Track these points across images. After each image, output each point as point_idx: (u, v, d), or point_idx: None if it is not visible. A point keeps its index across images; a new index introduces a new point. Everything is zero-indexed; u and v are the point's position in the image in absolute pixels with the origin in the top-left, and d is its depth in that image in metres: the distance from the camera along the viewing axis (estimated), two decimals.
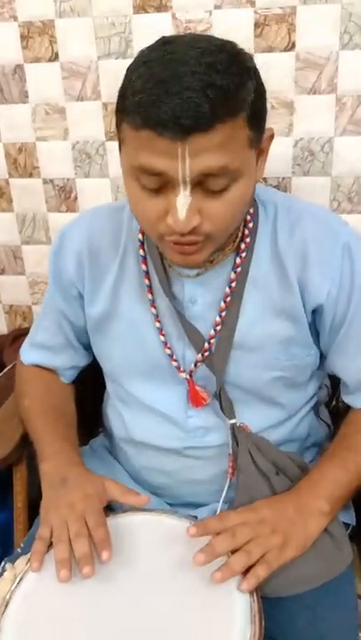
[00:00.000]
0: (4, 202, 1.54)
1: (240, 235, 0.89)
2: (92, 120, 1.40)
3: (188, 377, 0.93)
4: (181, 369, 0.93)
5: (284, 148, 1.33)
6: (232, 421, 0.92)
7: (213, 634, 0.73)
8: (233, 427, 0.92)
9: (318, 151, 1.33)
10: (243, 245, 0.88)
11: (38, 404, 1.04)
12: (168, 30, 1.28)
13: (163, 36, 0.75)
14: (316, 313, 0.90)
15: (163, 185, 0.73)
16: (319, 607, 0.83)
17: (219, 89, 0.67)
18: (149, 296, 0.93)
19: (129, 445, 1.03)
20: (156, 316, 0.93)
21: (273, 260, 0.89)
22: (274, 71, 1.27)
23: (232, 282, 0.89)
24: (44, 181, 1.50)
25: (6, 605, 0.79)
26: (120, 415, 1.03)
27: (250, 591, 0.77)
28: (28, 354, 1.10)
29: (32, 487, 1.09)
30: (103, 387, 1.10)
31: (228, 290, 0.89)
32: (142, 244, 0.93)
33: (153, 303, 0.93)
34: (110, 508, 0.92)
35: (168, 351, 0.93)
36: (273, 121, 1.29)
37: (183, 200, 0.72)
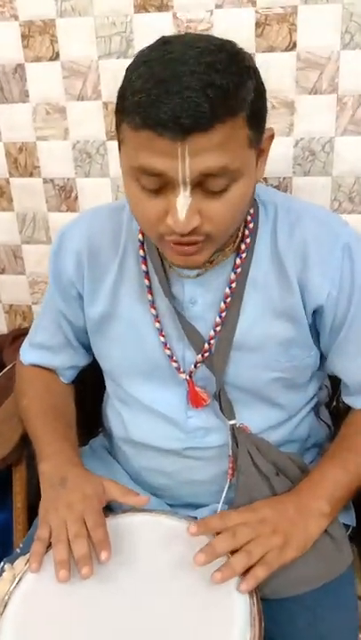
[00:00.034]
0: (5, 201, 1.54)
1: (240, 235, 0.88)
2: (92, 120, 1.40)
3: (187, 378, 0.93)
4: (181, 370, 0.93)
5: (285, 148, 1.33)
6: (232, 422, 0.92)
7: (213, 635, 0.73)
8: (233, 427, 0.92)
9: (319, 151, 1.32)
10: (243, 246, 0.88)
11: (38, 404, 1.04)
12: (169, 30, 1.28)
13: (162, 35, 0.75)
14: (316, 314, 0.90)
15: (162, 185, 0.73)
16: (319, 608, 0.83)
17: (218, 88, 0.67)
18: (149, 297, 0.92)
19: (128, 446, 1.03)
20: (156, 317, 0.92)
21: (273, 260, 0.89)
22: (275, 71, 1.27)
23: (232, 282, 0.89)
24: (45, 181, 1.49)
25: (5, 606, 0.79)
26: (120, 415, 1.03)
27: (249, 592, 0.77)
28: (28, 354, 1.10)
29: (31, 487, 1.08)
30: (103, 387, 1.09)
31: (228, 290, 0.89)
32: (142, 244, 0.92)
33: (153, 304, 0.92)
34: (110, 509, 0.92)
35: (168, 352, 0.93)
36: (274, 121, 1.29)
37: (183, 200, 0.72)
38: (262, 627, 0.75)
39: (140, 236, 0.93)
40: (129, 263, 0.94)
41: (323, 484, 0.88)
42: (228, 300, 0.89)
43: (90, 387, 1.14)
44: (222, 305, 0.89)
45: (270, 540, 0.80)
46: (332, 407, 1.16)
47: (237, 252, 0.89)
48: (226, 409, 0.92)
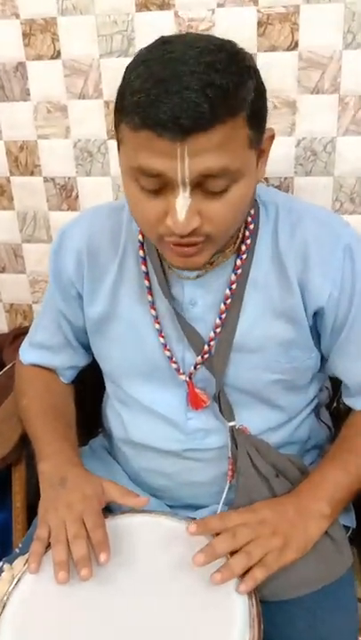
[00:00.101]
0: (5, 200, 1.54)
1: (240, 236, 0.88)
2: (93, 118, 1.39)
3: (187, 379, 0.92)
4: (181, 371, 0.93)
5: (287, 148, 1.33)
6: (231, 424, 0.92)
7: (212, 637, 0.73)
8: (232, 429, 0.92)
9: (321, 151, 1.32)
10: (243, 247, 0.88)
11: (37, 404, 1.03)
12: (170, 28, 1.28)
13: (161, 35, 0.74)
14: (317, 315, 0.90)
15: (162, 186, 0.72)
16: (319, 610, 0.83)
17: (218, 88, 0.67)
18: (149, 297, 0.92)
19: (128, 446, 1.03)
20: (156, 318, 0.92)
21: (274, 261, 0.89)
22: (276, 70, 1.26)
23: (232, 284, 0.88)
24: (45, 180, 1.49)
25: (4, 607, 0.79)
26: (119, 416, 1.03)
27: (248, 593, 0.77)
28: (28, 353, 1.10)
29: (31, 487, 1.08)
30: (103, 387, 1.09)
31: (228, 292, 0.89)
32: (142, 244, 0.92)
33: (153, 305, 0.92)
34: (109, 510, 0.92)
35: (168, 353, 0.92)
36: (275, 120, 1.29)
37: (183, 201, 0.72)
38: (261, 628, 0.75)
39: (139, 237, 0.92)
40: (129, 263, 0.94)
41: (323, 486, 0.88)
42: (229, 301, 0.89)
43: (90, 387, 1.14)
44: (222, 306, 0.89)
45: (270, 541, 0.80)
46: (332, 408, 1.16)
47: (238, 252, 0.88)
48: (225, 410, 0.92)
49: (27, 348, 1.10)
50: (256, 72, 0.74)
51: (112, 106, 0.75)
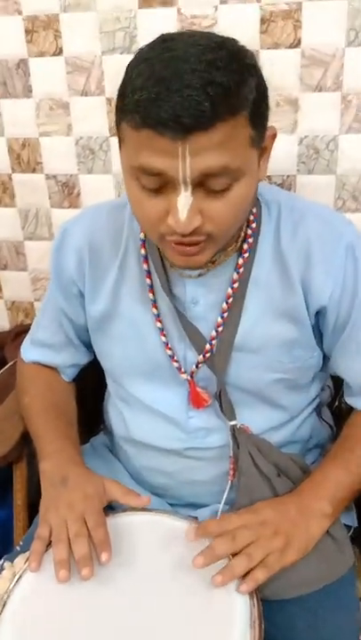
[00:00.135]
0: (7, 197, 1.54)
1: (243, 235, 0.88)
2: (95, 115, 1.39)
3: (188, 378, 0.92)
4: (182, 370, 0.93)
5: (289, 146, 1.32)
6: (232, 423, 0.92)
7: (212, 636, 0.73)
8: (233, 428, 0.92)
9: (323, 149, 1.31)
10: (245, 246, 0.88)
11: (39, 402, 1.03)
12: (173, 26, 1.27)
13: (162, 33, 0.73)
14: (319, 314, 0.90)
15: (163, 185, 0.72)
16: (320, 610, 0.83)
17: (219, 86, 0.66)
18: (150, 296, 0.92)
19: (129, 445, 1.03)
20: (157, 317, 0.92)
21: (276, 260, 0.88)
22: (279, 68, 1.26)
23: (234, 282, 0.88)
24: (47, 177, 1.49)
25: (4, 604, 0.79)
26: (121, 414, 1.03)
27: (249, 593, 0.77)
28: (29, 351, 1.10)
29: (32, 485, 1.08)
30: (104, 384, 1.09)
31: (230, 290, 0.88)
32: (144, 242, 0.92)
33: (154, 303, 0.92)
34: (110, 508, 0.92)
35: (169, 352, 0.92)
36: (277, 118, 1.28)
37: (184, 200, 0.71)
38: (262, 628, 0.75)
39: (141, 235, 0.92)
40: (130, 262, 0.94)
41: (325, 485, 0.87)
42: (230, 300, 0.88)
43: (91, 384, 1.13)
44: (224, 305, 0.89)
45: (271, 542, 0.80)
46: (334, 407, 1.15)
47: (240, 251, 0.88)
48: (227, 409, 0.92)
49: (28, 346, 1.10)
50: (258, 70, 0.73)
51: (114, 103, 0.75)
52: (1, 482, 1.15)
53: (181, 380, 0.93)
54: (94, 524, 0.82)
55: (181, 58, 0.67)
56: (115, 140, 1.39)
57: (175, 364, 0.92)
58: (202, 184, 0.71)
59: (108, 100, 1.36)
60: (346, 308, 0.88)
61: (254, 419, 0.94)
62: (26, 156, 1.48)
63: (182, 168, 0.69)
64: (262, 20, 1.24)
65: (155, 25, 1.28)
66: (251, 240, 0.88)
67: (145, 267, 0.92)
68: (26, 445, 1.09)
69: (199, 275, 0.88)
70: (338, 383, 1.09)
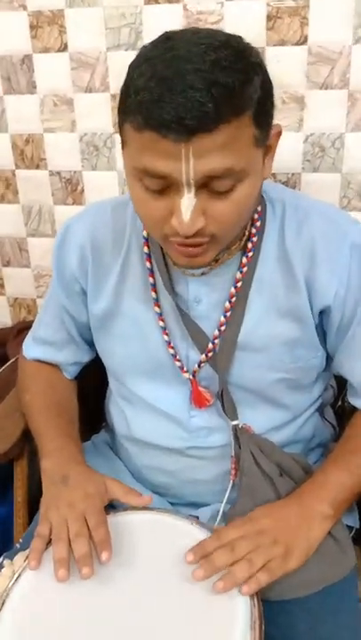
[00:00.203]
0: (10, 193, 1.53)
1: (247, 233, 0.87)
2: (100, 112, 1.39)
3: (191, 377, 0.92)
4: (185, 369, 0.92)
5: (295, 144, 1.32)
6: (234, 423, 0.92)
7: (213, 637, 0.72)
8: (235, 428, 0.92)
9: (329, 147, 1.31)
10: (250, 245, 0.87)
11: (40, 400, 1.03)
12: (179, 22, 1.27)
13: (165, 31, 0.72)
14: (323, 314, 0.89)
15: (167, 186, 0.71)
16: (321, 611, 0.82)
17: (223, 87, 0.65)
18: (153, 294, 0.91)
19: (131, 443, 1.03)
20: (160, 315, 0.91)
21: (280, 259, 0.88)
22: (285, 65, 1.25)
23: (238, 282, 0.87)
24: (51, 173, 1.49)
25: (3, 602, 0.78)
26: (122, 412, 1.02)
27: (250, 595, 0.76)
28: (31, 349, 1.09)
29: (33, 482, 1.08)
30: (106, 382, 1.09)
31: (233, 290, 0.88)
32: (147, 240, 0.91)
33: (157, 302, 0.91)
34: (112, 506, 0.91)
35: (171, 351, 0.92)
36: (283, 115, 1.28)
37: (188, 202, 0.71)
38: (263, 629, 0.74)
39: (144, 233, 0.91)
40: (133, 260, 0.93)
41: (326, 487, 0.87)
42: (234, 299, 0.88)
43: (93, 382, 1.13)
44: (227, 304, 0.88)
45: (271, 549, 0.79)
46: (337, 407, 1.15)
47: (244, 250, 0.88)
48: (229, 409, 0.91)
49: (30, 343, 1.10)
50: (263, 68, 0.72)
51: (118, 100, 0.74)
52: (1, 479, 1.15)
53: (184, 379, 0.93)
54: (95, 523, 0.81)
55: (184, 57, 0.66)
56: (119, 137, 1.39)
57: (177, 363, 0.92)
58: (205, 185, 0.70)
59: (113, 97, 1.36)
60: (350, 308, 0.88)
61: (257, 418, 0.93)
62: (30, 152, 1.47)
63: (185, 170, 0.68)
64: (269, 17, 1.23)
65: (160, 21, 1.27)
66: (255, 239, 0.87)
67: (148, 265, 0.91)
68: (27, 443, 1.08)
69: (202, 273, 0.87)
70: (341, 383, 1.08)
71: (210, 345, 0.89)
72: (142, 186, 0.73)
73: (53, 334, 1.06)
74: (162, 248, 0.88)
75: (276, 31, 1.24)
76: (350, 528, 0.96)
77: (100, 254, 0.95)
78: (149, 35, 1.28)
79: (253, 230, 0.87)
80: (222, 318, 0.89)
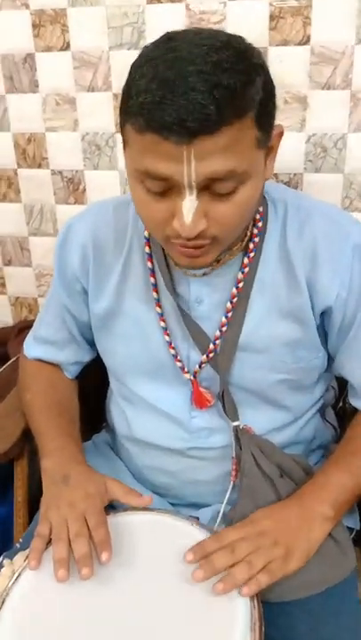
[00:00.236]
0: (12, 192, 1.53)
1: (248, 234, 0.87)
2: (102, 111, 1.39)
3: (192, 378, 0.92)
4: (186, 370, 0.92)
5: (297, 144, 1.31)
6: (235, 423, 0.91)
7: (213, 639, 0.72)
8: (236, 429, 0.91)
9: (331, 147, 1.31)
10: (251, 245, 0.87)
11: (41, 400, 1.03)
12: (181, 21, 1.27)
13: (167, 31, 0.72)
14: (324, 315, 0.89)
15: (168, 188, 0.71)
16: (322, 613, 0.82)
17: (225, 89, 0.65)
18: (154, 295, 0.91)
19: (132, 443, 1.02)
20: (161, 316, 0.91)
21: (281, 259, 0.88)
22: (288, 65, 1.25)
23: (239, 282, 0.87)
24: (53, 172, 1.48)
25: (3, 602, 0.78)
26: (123, 413, 1.02)
27: (250, 596, 0.76)
28: (32, 348, 1.09)
29: (34, 481, 1.08)
30: (107, 381, 1.09)
31: (234, 290, 0.88)
32: (148, 240, 0.91)
33: (158, 302, 0.91)
34: (112, 507, 0.91)
35: (172, 351, 0.91)
36: (286, 116, 1.28)
37: (189, 204, 0.70)
38: (263, 631, 0.74)
39: (145, 233, 0.91)
40: (134, 260, 0.93)
41: (327, 488, 0.87)
42: (235, 299, 0.88)
43: (94, 381, 1.13)
44: (229, 305, 0.88)
45: (271, 551, 0.79)
46: (338, 408, 1.15)
47: (245, 251, 0.87)
48: (229, 410, 0.91)
49: (31, 342, 1.10)
50: (265, 69, 0.72)
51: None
52: (2, 478, 1.15)
53: (184, 379, 0.92)
54: (95, 523, 0.81)
55: (186, 59, 0.66)
56: (120, 137, 1.40)
57: (178, 364, 0.92)
58: (207, 187, 0.70)
59: (115, 96, 1.36)
60: (352, 309, 0.88)
61: (258, 419, 0.93)
62: (31, 152, 1.47)
63: (187, 172, 0.68)
64: (271, 17, 1.23)
65: (163, 21, 1.27)
66: (257, 239, 0.87)
67: (149, 265, 0.91)
68: (27, 442, 1.08)
69: (204, 274, 0.87)
70: (342, 384, 1.08)
71: (211, 345, 0.89)
72: (144, 187, 0.73)
73: (54, 334, 1.05)
74: (163, 248, 0.88)
75: (279, 31, 1.23)
76: (351, 530, 0.96)
77: (101, 254, 0.95)
78: (152, 34, 1.28)
79: (255, 231, 0.87)
80: (223, 319, 0.88)
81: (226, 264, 0.87)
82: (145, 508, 0.89)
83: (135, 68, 0.70)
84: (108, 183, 1.46)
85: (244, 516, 0.86)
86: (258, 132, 0.70)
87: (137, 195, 0.75)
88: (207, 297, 0.89)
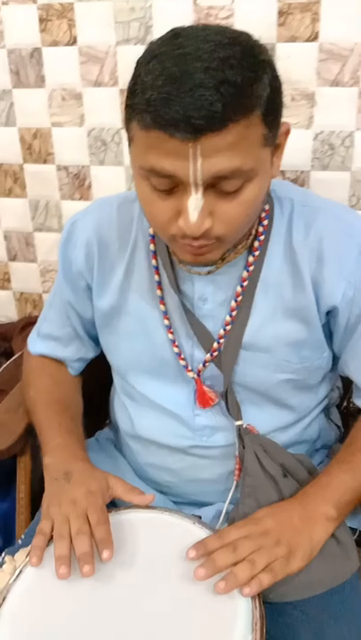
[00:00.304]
0: (18, 187, 1.53)
1: (254, 232, 0.86)
2: (108, 107, 1.38)
3: (195, 377, 0.91)
4: (189, 368, 0.92)
5: (304, 141, 1.31)
6: (238, 423, 0.91)
7: (213, 639, 0.72)
8: (239, 428, 0.91)
9: (339, 145, 1.30)
10: (256, 243, 0.86)
11: (44, 396, 1.03)
12: (189, 17, 1.26)
13: (173, 27, 0.71)
14: (330, 314, 0.88)
15: (174, 186, 0.70)
16: (324, 614, 0.82)
17: (232, 86, 0.64)
18: (159, 292, 0.91)
19: (135, 441, 1.02)
20: (165, 314, 0.91)
21: (287, 258, 0.87)
22: (296, 62, 1.24)
23: (244, 281, 0.87)
24: (59, 168, 1.48)
25: (4, 598, 0.78)
26: (126, 410, 1.02)
27: (252, 596, 0.76)
28: (36, 344, 1.09)
29: (37, 478, 1.08)
30: (111, 378, 1.08)
31: (239, 289, 0.87)
32: (153, 238, 0.91)
33: (162, 300, 0.91)
34: (114, 504, 0.91)
35: (176, 350, 0.91)
36: (293, 113, 1.27)
37: (195, 202, 0.70)
38: (264, 632, 0.73)
39: (150, 230, 0.91)
40: (139, 257, 0.93)
41: (330, 488, 0.86)
42: (240, 298, 0.87)
43: (99, 378, 1.13)
44: (233, 303, 0.87)
45: (274, 550, 0.78)
46: (342, 407, 1.14)
47: (250, 249, 0.87)
48: (233, 409, 0.91)
49: (35, 338, 1.10)
50: (272, 65, 0.71)
51: None
52: (4, 475, 1.15)
53: (188, 377, 0.92)
54: (96, 521, 0.81)
55: (193, 55, 0.65)
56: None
57: (182, 362, 0.91)
58: (213, 185, 0.70)
59: (122, 92, 1.35)
60: (358, 310, 0.87)
61: (261, 418, 0.93)
62: (37, 147, 1.47)
63: (193, 170, 0.67)
64: (280, 13, 1.22)
65: (170, 16, 1.27)
66: (262, 238, 0.86)
67: (154, 262, 0.91)
68: (30, 439, 1.08)
69: (208, 272, 0.87)
70: (347, 384, 1.08)
71: (215, 344, 0.89)
72: (149, 185, 0.73)
73: (58, 330, 1.05)
74: (168, 246, 0.87)
75: (288, 27, 1.22)
76: (354, 530, 0.96)
77: (106, 250, 0.94)
78: (159, 29, 1.27)
79: (261, 229, 0.86)
80: (228, 318, 0.88)
81: (231, 262, 0.87)
82: (147, 506, 0.89)
83: (141, 64, 0.69)
84: (114, 179, 1.45)
85: (246, 515, 0.85)
86: (265, 129, 0.70)
87: (142, 192, 0.75)
88: (211, 295, 0.89)
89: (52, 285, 1.07)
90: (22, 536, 0.97)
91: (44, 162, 1.48)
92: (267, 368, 0.90)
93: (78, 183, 1.48)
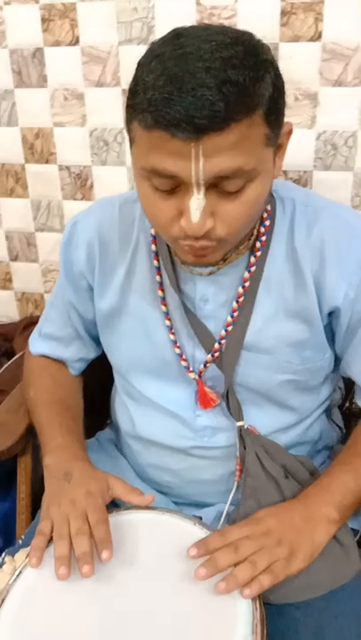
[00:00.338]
0: (20, 187, 1.53)
1: (255, 232, 0.86)
2: (110, 107, 1.38)
3: (197, 377, 0.91)
4: (190, 369, 0.91)
5: (307, 141, 1.30)
6: (240, 424, 0.91)
7: None
8: (240, 429, 0.91)
9: (341, 145, 1.29)
10: (258, 244, 0.86)
11: (45, 397, 1.03)
12: (192, 17, 1.26)
13: (175, 27, 0.71)
14: (332, 315, 0.88)
15: (176, 186, 0.70)
16: (324, 616, 0.81)
17: (234, 85, 0.64)
18: (160, 293, 0.91)
19: (135, 441, 1.02)
20: (166, 314, 0.91)
21: (289, 259, 0.87)
22: (299, 61, 1.24)
23: (245, 281, 0.86)
24: (60, 168, 1.48)
25: (4, 599, 0.78)
26: (127, 410, 1.02)
27: (252, 597, 0.75)
28: (37, 344, 1.09)
29: (37, 478, 1.08)
30: (113, 378, 1.08)
31: (241, 289, 0.87)
32: (155, 238, 0.90)
33: (163, 300, 0.91)
34: (115, 504, 0.91)
35: (177, 350, 0.91)
36: (296, 112, 1.27)
37: (197, 203, 0.69)
38: (265, 633, 0.73)
39: (152, 231, 0.91)
40: (140, 257, 0.93)
41: (332, 490, 0.86)
42: (241, 299, 0.87)
43: (99, 378, 1.13)
44: (235, 304, 0.87)
45: (275, 551, 0.78)
46: (344, 408, 1.14)
47: (252, 250, 0.87)
48: (234, 410, 0.91)
49: (36, 338, 1.10)
50: (274, 65, 0.71)
51: None
52: (5, 475, 1.14)
53: (189, 378, 0.92)
54: (96, 521, 0.81)
55: (194, 55, 0.65)
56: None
57: (183, 363, 0.91)
58: (215, 185, 0.69)
59: (124, 92, 1.35)
60: (359, 310, 0.86)
61: (263, 419, 0.92)
62: (39, 147, 1.47)
63: (195, 170, 0.67)
64: (283, 13, 1.22)
65: (173, 16, 1.27)
66: (264, 238, 0.86)
67: (155, 263, 0.91)
68: (31, 439, 1.08)
69: (210, 273, 0.87)
70: (349, 385, 1.08)
71: (216, 345, 0.89)
72: (150, 185, 0.72)
73: (59, 330, 1.05)
74: (169, 246, 0.87)
75: (290, 27, 1.22)
76: (356, 532, 0.95)
77: (107, 251, 0.94)
78: (162, 29, 1.27)
79: (262, 229, 0.86)
80: (229, 318, 0.88)
81: (232, 263, 0.86)
82: (147, 507, 0.89)
83: (143, 64, 0.69)
84: (116, 179, 1.45)
85: (247, 516, 0.85)
86: (267, 129, 0.70)
87: (143, 193, 0.74)
88: (213, 296, 0.89)
89: (54, 286, 1.07)
90: (22, 536, 0.97)
91: (46, 162, 1.48)
92: (268, 369, 0.90)
93: (80, 183, 1.48)
